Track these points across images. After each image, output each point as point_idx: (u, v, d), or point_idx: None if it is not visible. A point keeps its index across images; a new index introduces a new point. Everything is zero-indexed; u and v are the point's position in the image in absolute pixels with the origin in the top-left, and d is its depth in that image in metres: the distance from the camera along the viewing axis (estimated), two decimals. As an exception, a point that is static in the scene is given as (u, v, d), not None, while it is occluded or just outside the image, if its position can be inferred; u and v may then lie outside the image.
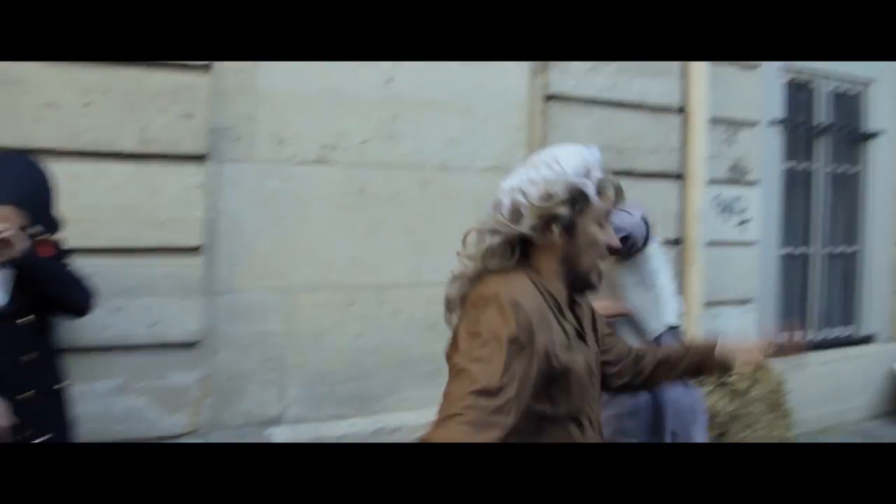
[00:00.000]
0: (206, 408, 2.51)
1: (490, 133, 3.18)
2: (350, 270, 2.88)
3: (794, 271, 4.47)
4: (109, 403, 2.27)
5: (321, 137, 2.84)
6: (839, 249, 4.73)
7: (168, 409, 2.07)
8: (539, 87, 3.27)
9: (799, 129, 4.39)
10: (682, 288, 3.69)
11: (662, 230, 3.62)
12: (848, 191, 4.76)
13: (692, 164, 3.66)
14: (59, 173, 2.28)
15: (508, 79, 3.22)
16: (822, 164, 4.59)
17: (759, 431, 3.31)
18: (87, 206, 2.37)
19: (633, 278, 2.03)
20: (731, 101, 3.84)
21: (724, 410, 3.23)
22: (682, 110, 3.63)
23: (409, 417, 2.93)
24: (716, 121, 3.76)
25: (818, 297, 4.60)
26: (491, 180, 3.13)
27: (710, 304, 3.75)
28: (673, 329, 2.09)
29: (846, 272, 4.79)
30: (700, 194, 3.66)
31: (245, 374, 2.66)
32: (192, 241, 2.56)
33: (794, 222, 4.45)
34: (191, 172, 2.56)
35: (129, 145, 2.47)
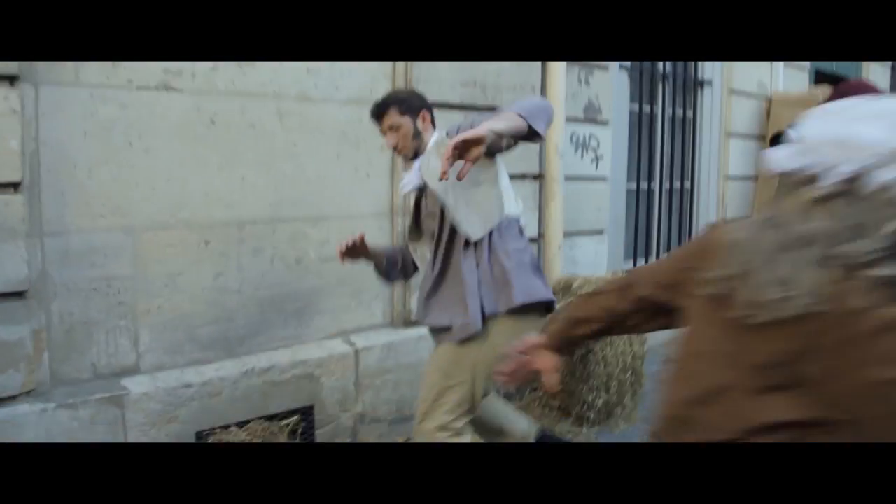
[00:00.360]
0: (44, 363, 2.22)
1: (351, 63, 3.04)
2: (203, 207, 2.65)
3: (639, 204, 4.79)
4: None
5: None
6: (677, 185, 5.13)
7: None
8: (401, 17, 3.16)
9: (644, 74, 4.65)
10: (542, 219, 3.83)
11: (525, 165, 3.72)
12: (684, 132, 5.16)
13: (552, 103, 3.74)
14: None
15: (369, 6, 3.08)
16: (661, 107, 4.91)
17: (617, 347, 3.52)
18: None
19: (485, 175, 2.15)
20: (585, 42, 3.97)
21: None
22: (539, 49, 3.70)
23: (280, 357, 2.81)
24: (571, 63, 3.87)
25: (661, 228, 4.99)
26: (353, 112, 3.06)
27: (567, 234, 3.92)
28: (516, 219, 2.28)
29: (682, 205, 5.23)
30: (559, 132, 3.78)
31: (88, 324, 2.38)
32: (10, 177, 2.21)
33: (640, 160, 4.75)
34: (1, 95, 2.20)
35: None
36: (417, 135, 2.24)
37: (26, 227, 2.24)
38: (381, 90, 3.13)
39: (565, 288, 3.64)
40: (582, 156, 4.08)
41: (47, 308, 2.28)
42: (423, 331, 3.29)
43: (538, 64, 3.73)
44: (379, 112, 2.26)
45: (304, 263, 2.95)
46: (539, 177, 3.82)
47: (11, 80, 2.22)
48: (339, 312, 3.10)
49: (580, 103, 4.05)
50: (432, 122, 2.30)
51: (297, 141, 2.92)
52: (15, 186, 2.22)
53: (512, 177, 3.61)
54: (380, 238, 3.20)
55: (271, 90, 2.82)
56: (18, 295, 2.17)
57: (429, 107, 2.29)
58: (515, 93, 3.61)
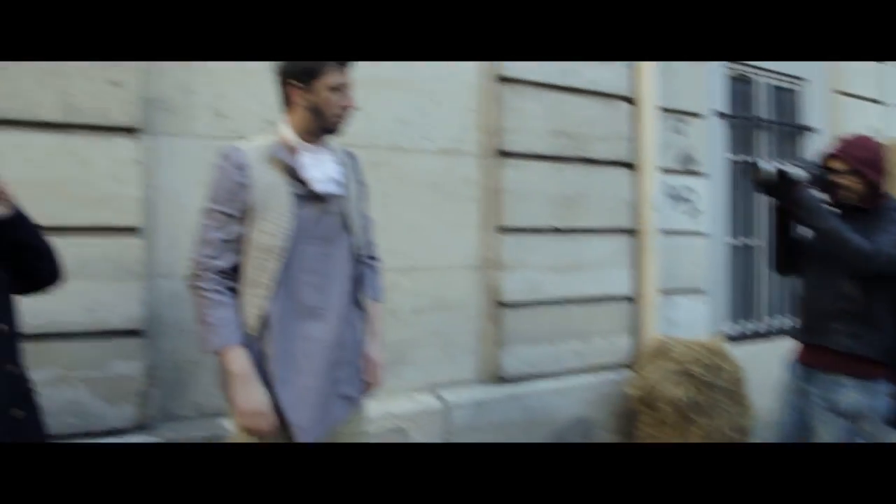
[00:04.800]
0: (153, 399, 2.48)
1: (442, 114, 3.33)
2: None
3: (740, 261, 4.85)
4: (48, 395, 2.20)
5: (264, 111, 2.89)
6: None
7: (112, 401, 2.04)
8: (491, 69, 3.46)
9: (741, 121, 4.81)
10: (636, 276, 3.95)
11: (617, 219, 3.88)
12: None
13: (644, 153, 3.95)
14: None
15: (460, 59, 3.39)
16: (762, 156, 5.02)
17: (719, 420, 3.57)
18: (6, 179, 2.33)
19: None
20: (678, 92, 4.18)
21: (687, 398, 3.47)
22: (630, 99, 3.93)
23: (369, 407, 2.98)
24: (664, 110, 4.08)
25: (766, 287, 5.00)
26: (444, 163, 3.32)
27: (663, 292, 4.02)
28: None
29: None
30: (652, 183, 3.96)
31: (194, 364, 2.65)
32: (129, 221, 2.54)
33: (740, 213, 4.84)
34: (123, 146, 2.55)
35: (50, 114, 2.45)
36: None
37: (142, 270, 2.56)
38: (471, 141, 3.42)
39: (661, 352, 3.71)
40: (678, 209, 4.22)
41: (158, 347, 2.57)
42: (515, 389, 3.44)
43: (627, 112, 3.93)
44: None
45: (397, 314, 3.17)
46: (632, 231, 3.97)
47: (133, 131, 2.58)
48: (429, 365, 3.29)
49: (674, 153, 4.22)
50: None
51: (390, 191, 3.18)
52: (134, 231, 2.56)
53: (602, 231, 3.81)
54: (470, 291, 3.40)
55: (364, 141, 3.11)
56: (134, 333, 2.46)
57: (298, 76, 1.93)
58: (606, 143, 3.83)
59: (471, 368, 3.45)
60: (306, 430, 1.89)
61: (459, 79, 3.39)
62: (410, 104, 3.26)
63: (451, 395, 3.28)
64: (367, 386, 2.08)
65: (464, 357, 3.43)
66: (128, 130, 2.57)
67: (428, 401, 3.21)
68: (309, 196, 1.92)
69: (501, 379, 3.45)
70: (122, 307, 2.42)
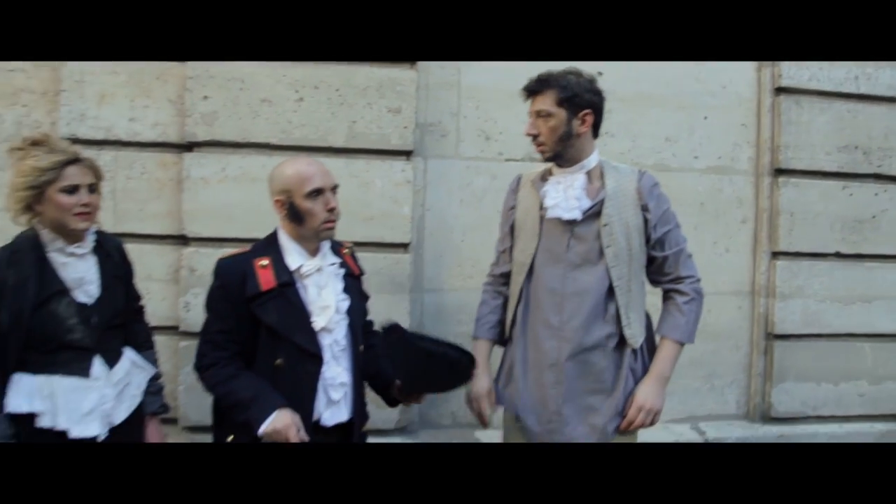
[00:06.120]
0: (414, 406, 2.68)
1: (711, 131, 3.18)
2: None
3: None
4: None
5: (529, 134, 2.99)
6: None
7: (379, 403, 2.23)
8: (767, 79, 3.23)
9: None
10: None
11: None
12: None
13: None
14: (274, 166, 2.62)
15: (731, 71, 3.22)
16: None
17: None
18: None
19: None
20: None
21: None
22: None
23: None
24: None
25: None
26: (713, 181, 3.16)
27: None
28: None
29: None
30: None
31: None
32: (402, 238, 2.78)
33: None
34: (399, 168, 2.80)
35: (338, 140, 2.76)
36: (569, 136, 1.96)
37: (410, 283, 2.78)
38: (743, 158, 3.22)
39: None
40: None
41: (422, 357, 2.77)
42: (787, 430, 3.16)
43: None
44: (533, 89, 1.99)
45: (654, 339, 3.08)
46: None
47: (407, 154, 2.82)
48: (689, 396, 3.14)
49: None
50: (594, 129, 2.02)
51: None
52: (405, 247, 2.79)
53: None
54: (738, 320, 3.20)
55: (629, 160, 3.08)
56: (401, 342, 2.68)
57: (598, 110, 1.99)
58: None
59: (735, 403, 3.24)
60: (534, 433, 2.02)
61: (731, 92, 3.21)
62: (677, 121, 3.16)
63: (711, 430, 3.10)
64: (623, 424, 2.01)
65: (728, 390, 3.22)
66: (404, 153, 2.81)
67: (685, 432, 3.07)
68: (553, 220, 1.99)
69: (771, 418, 3.18)
70: (391, 318, 2.65)
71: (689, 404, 3.15)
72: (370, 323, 2.19)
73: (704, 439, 3.05)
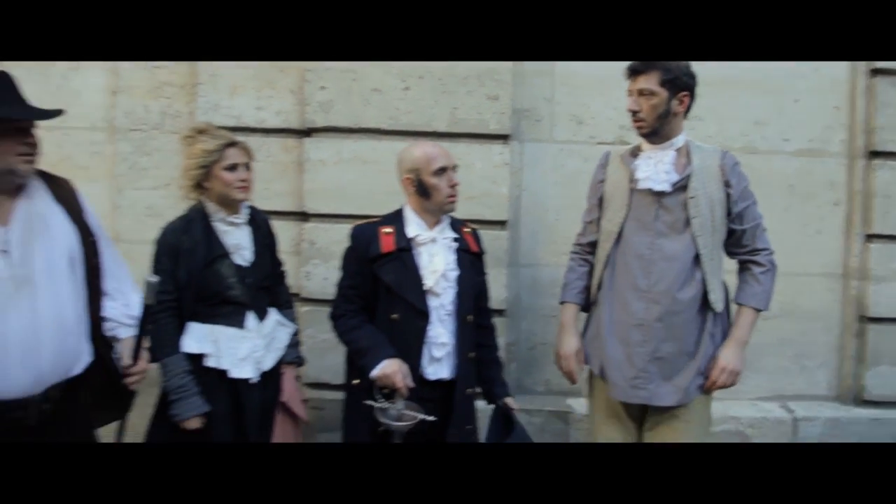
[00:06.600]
0: (510, 373, 2.91)
1: (801, 113, 3.24)
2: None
3: None
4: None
5: (620, 118, 3.13)
6: None
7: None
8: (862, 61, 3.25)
9: None
10: None
11: None
12: None
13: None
14: (384, 150, 2.91)
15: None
16: None
17: None
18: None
19: None
20: None
21: None
22: None
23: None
24: None
25: None
26: (803, 164, 3.22)
27: None
28: None
29: None
30: None
31: (547, 345, 3.04)
32: (500, 216, 3.01)
33: None
34: (497, 151, 3.02)
35: (441, 125, 3.01)
36: (666, 115, 2.15)
37: (507, 258, 3.01)
38: (835, 140, 3.26)
39: None
40: None
41: (517, 327, 3.00)
42: (882, 413, 3.19)
43: None
44: (637, 70, 2.16)
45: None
46: None
47: (504, 137, 3.04)
48: (777, 374, 3.23)
49: None
50: (687, 109, 2.21)
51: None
52: (502, 224, 3.02)
53: None
54: (828, 302, 3.25)
55: (717, 142, 3.17)
56: (499, 312, 2.91)
57: (693, 93, 2.20)
58: None
59: (825, 384, 3.29)
60: (619, 388, 2.18)
61: (823, 74, 3.26)
62: (766, 104, 3.23)
63: (800, 408, 3.17)
64: (707, 383, 2.18)
65: (818, 371, 3.28)
66: (501, 137, 3.04)
67: (773, 409, 3.16)
68: (643, 192, 2.17)
69: (864, 400, 3.22)
70: (491, 290, 2.87)
71: (778, 383, 3.23)
72: (485, 298, 2.39)
73: (793, 417, 3.12)
